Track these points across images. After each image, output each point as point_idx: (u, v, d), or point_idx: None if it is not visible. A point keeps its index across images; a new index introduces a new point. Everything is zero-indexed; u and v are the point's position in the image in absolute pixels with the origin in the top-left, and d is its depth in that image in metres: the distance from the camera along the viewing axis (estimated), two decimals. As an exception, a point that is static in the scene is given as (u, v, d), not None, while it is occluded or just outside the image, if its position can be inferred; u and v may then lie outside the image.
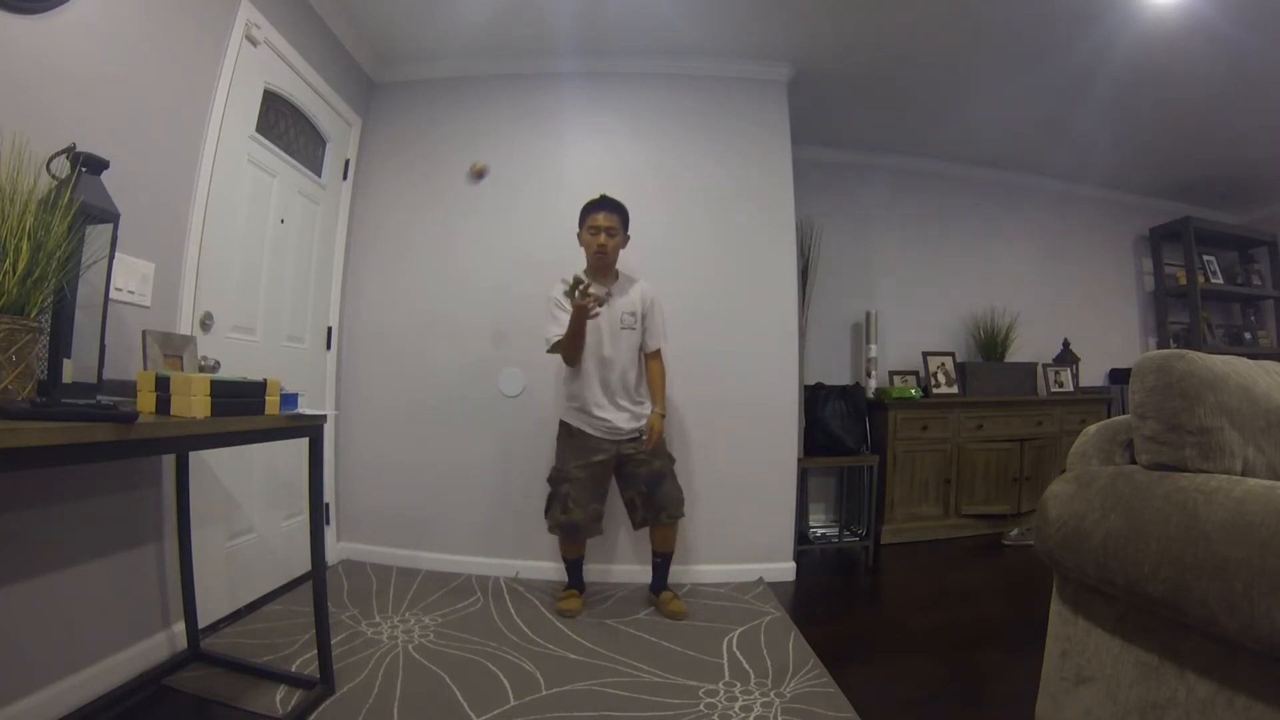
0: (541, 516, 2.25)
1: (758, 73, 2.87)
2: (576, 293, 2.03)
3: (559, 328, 2.16)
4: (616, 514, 2.36)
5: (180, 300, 1.82)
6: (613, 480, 2.29)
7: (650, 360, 2.32)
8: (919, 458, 3.39)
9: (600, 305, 2.11)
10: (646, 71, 2.85)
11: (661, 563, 2.33)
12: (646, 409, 2.29)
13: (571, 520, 2.16)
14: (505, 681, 1.68)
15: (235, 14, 1.98)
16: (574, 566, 2.35)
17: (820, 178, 3.70)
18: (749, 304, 2.76)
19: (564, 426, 2.29)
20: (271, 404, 1.42)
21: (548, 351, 2.22)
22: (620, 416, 2.22)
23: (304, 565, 2.19)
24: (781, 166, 2.85)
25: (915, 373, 3.73)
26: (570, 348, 2.17)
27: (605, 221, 2.24)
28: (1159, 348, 3.38)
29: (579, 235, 2.31)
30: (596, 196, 2.30)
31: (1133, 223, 4.42)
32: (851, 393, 3.22)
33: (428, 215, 2.83)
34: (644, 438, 2.23)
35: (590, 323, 2.15)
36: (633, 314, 2.28)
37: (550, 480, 2.27)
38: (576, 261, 2.72)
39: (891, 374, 3.72)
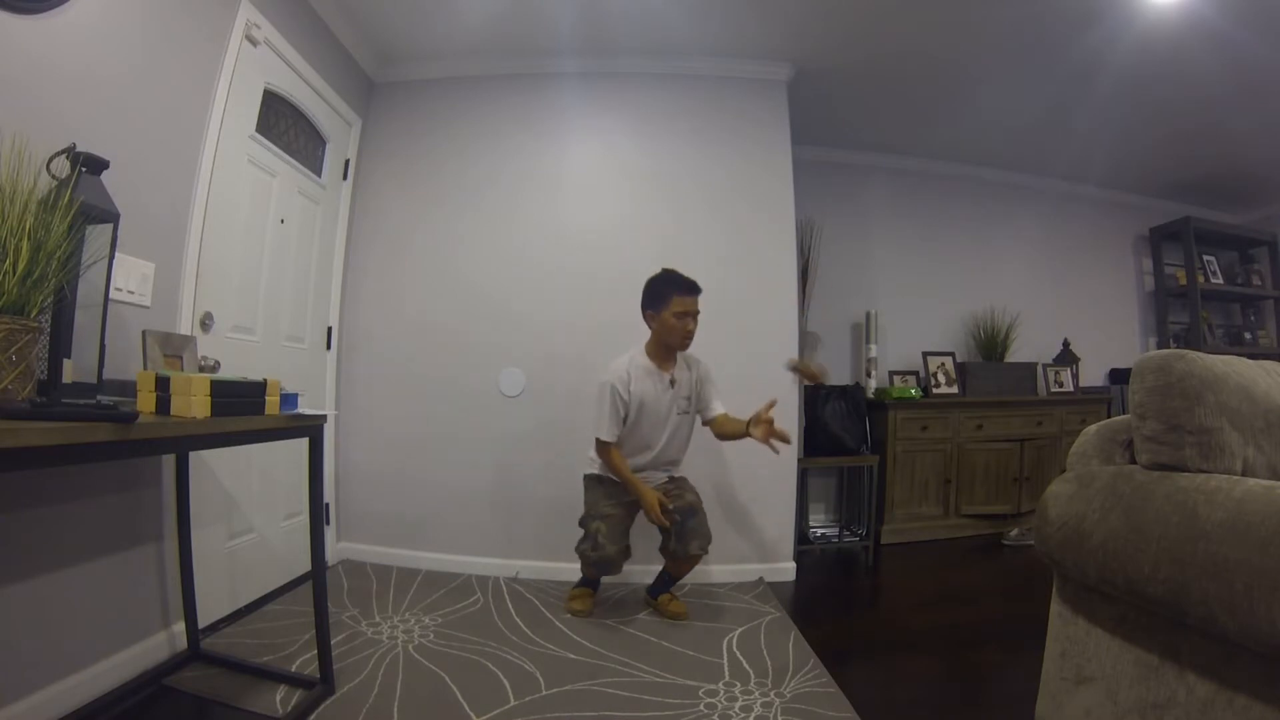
0: (543, 516, 2.23)
1: (758, 73, 2.87)
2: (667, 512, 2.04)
3: (619, 427, 2.11)
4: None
5: (180, 300, 1.82)
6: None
7: (719, 419, 2.22)
8: (919, 458, 3.39)
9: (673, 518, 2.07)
10: (646, 71, 2.85)
11: (668, 580, 2.28)
12: (677, 471, 2.30)
13: (603, 556, 2.10)
14: (505, 681, 1.68)
15: (235, 14, 1.98)
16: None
17: (820, 178, 3.69)
18: (749, 304, 2.76)
19: (593, 478, 2.24)
20: (271, 404, 1.42)
21: (600, 438, 2.13)
22: (656, 477, 2.23)
23: (304, 565, 2.19)
24: (782, 166, 2.85)
25: (915, 373, 3.73)
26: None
27: (698, 306, 2.12)
28: (1159, 348, 3.38)
29: (653, 314, 2.13)
30: (682, 274, 2.13)
31: (1133, 223, 4.42)
32: (851, 392, 3.22)
33: (427, 215, 2.83)
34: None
35: (650, 411, 2.13)
36: (688, 398, 2.23)
37: (582, 523, 2.20)
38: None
39: (891, 374, 3.72)
